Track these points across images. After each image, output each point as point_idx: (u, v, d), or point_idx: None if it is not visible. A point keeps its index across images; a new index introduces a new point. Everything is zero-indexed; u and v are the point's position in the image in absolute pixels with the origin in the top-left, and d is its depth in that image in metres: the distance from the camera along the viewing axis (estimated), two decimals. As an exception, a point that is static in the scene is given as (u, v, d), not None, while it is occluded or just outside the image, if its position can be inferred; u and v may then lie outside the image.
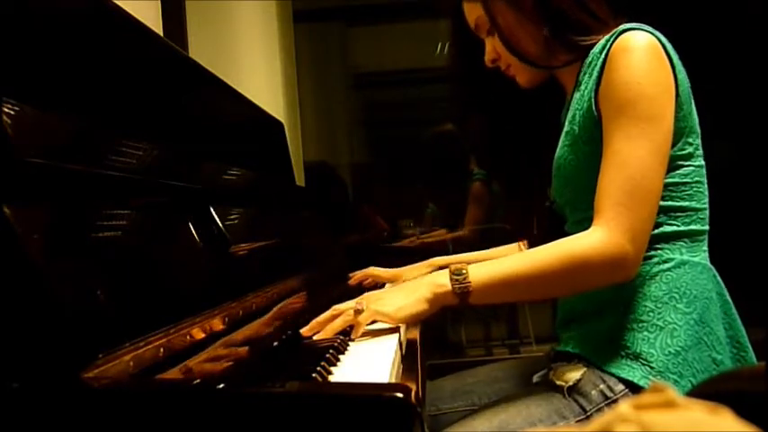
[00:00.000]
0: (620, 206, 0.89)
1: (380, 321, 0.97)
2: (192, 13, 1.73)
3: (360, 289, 1.43)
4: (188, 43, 1.69)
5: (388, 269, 1.44)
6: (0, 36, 0.63)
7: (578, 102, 0.98)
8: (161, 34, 1.33)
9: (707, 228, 0.99)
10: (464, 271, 0.93)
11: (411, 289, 0.97)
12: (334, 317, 0.97)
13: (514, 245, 1.35)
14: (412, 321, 0.98)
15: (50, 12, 0.73)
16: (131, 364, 0.58)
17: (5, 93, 0.56)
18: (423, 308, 0.94)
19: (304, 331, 0.98)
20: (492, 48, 1.07)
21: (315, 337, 0.97)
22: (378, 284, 1.47)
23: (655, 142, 0.90)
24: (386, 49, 4.43)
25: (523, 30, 1.01)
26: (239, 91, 1.43)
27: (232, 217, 1.03)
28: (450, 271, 0.94)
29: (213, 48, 1.97)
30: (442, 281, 0.94)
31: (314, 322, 0.98)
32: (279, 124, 1.87)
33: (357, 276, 1.47)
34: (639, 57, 0.91)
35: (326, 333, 0.96)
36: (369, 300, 0.98)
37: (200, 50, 1.76)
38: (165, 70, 1.03)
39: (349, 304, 0.99)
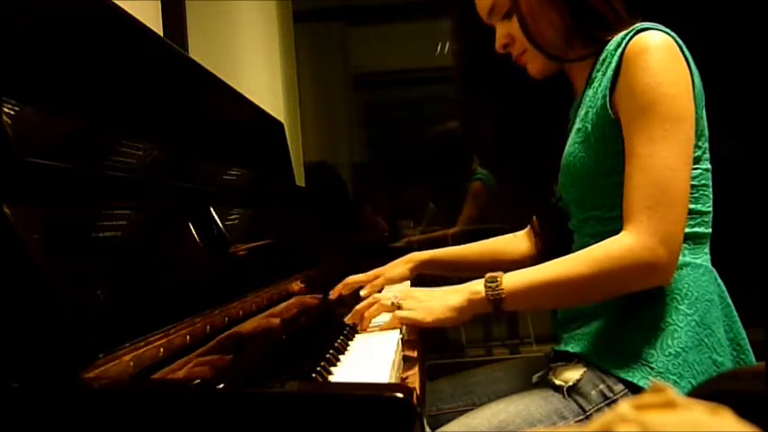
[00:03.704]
0: (649, 210, 0.88)
1: (409, 324, 1.02)
2: (192, 13, 1.73)
3: (341, 300, 1.39)
4: (188, 43, 1.69)
5: (367, 272, 1.41)
6: (0, 36, 0.63)
7: (591, 99, 0.97)
8: (161, 34, 1.33)
9: (710, 231, 0.98)
10: (498, 278, 0.94)
11: (446, 294, 0.98)
12: (371, 305, 1.03)
13: (503, 237, 1.34)
14: (438, 326, 1.00)
15: (50, 12, 0.73)
16: (131, 364, 0.58)
17: (5, 93, 0.56)
18: (451, 315, 0.96)
19: (347, 319, 1.05)
20: (506, 32, 1.04)
21: (359, 328, 1.05)
22: (358, 289, 1.44)
23: (679, 142, 0.89)
24: (386, 49, 4.43)
25: (545, 16, 0.99)
26: (239, 91, 1.43)
27: (232, 217, 1.03)
28: (484, 279, 0.95)
29: (213, 48, 1.97)
30: (477, 288, 0.95)
31: (355, 310, 1.05)
32: (279, 124, 1.87)
33: (336, 290, 1.36)
34: (658, 57, 0.90)
35: (365, 323, 1.03)
36: (405, 299, 1.00)
37: (200, 50, 1.76)
38: (165, 70, 1.03)
39: (388, 295, 1.03)
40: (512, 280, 0.94)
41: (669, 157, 0.89)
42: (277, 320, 0.98)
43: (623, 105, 0.92)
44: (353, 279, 1.38)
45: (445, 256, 1.35)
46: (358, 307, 1.05)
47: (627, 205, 0.91)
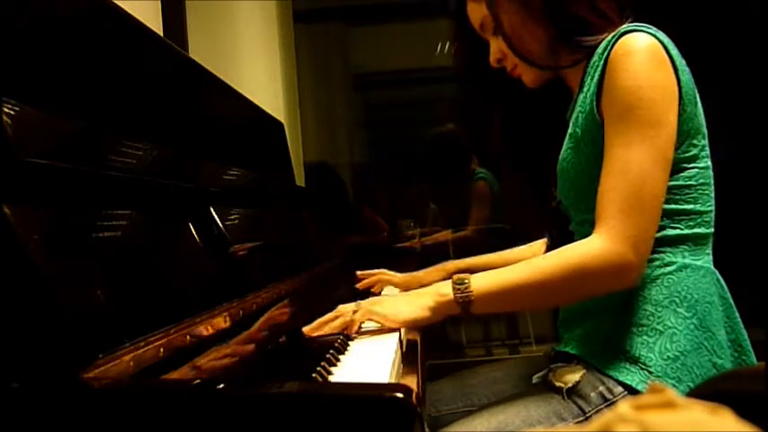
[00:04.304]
0: (622, 213, 0.88)
1: (375, 321, 0.99)
2: (192, 13, 1.73)
3: (366, 293, 1.41)
4: (188, 43, 1.69)
5: (400, 274, 1.41)
6: (0, 36, 0.63)
7: (581, 103, 0.97)
8: (161, 34, 1.33)
9: (711, 231, 0.97)
10: (466, 281, 0.94)
11: (414, 296, 1.00)
12: (336, 318, 1.01)
13: (537, 242, 1.33)
14: (409, 326, 1.00)
15: (50, 12, 0.73)
16: (131, 364, 0.58)
17: (5, 93, 0.56)
18: (423, 315, 0.96)
19: (307, 329, 1.01)
20: (497, 48, 1.06)
21: (314, 334, 1.01)
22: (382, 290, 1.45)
23: (656, 148, 0.89)
24: (386, 49, 4.43)
25: (528, 31, 1.00)
26: (239, 91, 1.43)
27: (232, 217, 1.03)
28: (452, 280, 0.95)
29: (213, 48, 1.97)
30: (445, 290, 0.95)
31: (317, 322, 1.03)
32: (279, 124, 1.87)
33: (366, 281, 1.42)
34: (640, 60, 0.89)
35: (324, 330, 1.00)
36: (370, 302, 1.02)
37: (200, 50, 1.76)
38: (165, 70, 1.03)
39: (351, 306, 1.02)
40: (481, 282, 0.93)
41: (645, 161, 0.88)
42: (277, 320, 0.98)
43: (606, 107, 0.92)
44: (388, 277, 1.39)
45: (483, 265, 1.34)
46: (322, 318, 1.03)
47: (600, 207, 0.91)
